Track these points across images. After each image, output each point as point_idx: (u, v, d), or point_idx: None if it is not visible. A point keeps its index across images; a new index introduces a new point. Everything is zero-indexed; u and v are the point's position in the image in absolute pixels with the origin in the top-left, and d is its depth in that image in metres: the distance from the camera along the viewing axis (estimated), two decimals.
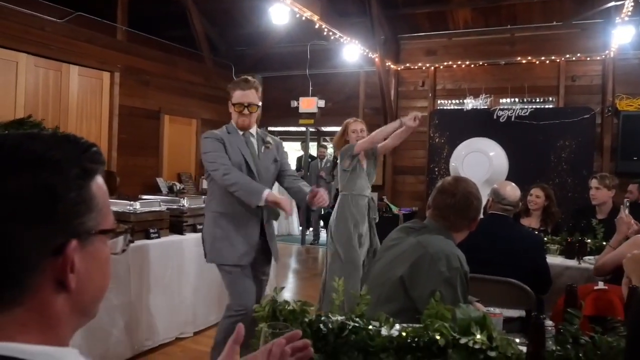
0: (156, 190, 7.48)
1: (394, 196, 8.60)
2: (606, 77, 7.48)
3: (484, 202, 3.36)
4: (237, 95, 3.01)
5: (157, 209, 3.86)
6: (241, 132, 3.05)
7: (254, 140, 3.08)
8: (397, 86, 8.88)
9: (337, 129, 11.76)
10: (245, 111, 3.00)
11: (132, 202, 3.68)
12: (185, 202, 4.21)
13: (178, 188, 7.67)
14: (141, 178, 7.56)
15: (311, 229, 9.58)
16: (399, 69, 8.82)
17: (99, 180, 0.76)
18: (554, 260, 3.78)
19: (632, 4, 5.20)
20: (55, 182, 0.69)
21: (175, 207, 4.14)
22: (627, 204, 3.29)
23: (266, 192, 2.85)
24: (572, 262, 3.80)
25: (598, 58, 7.57)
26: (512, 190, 3.24)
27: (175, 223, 3.99)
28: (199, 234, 4.02)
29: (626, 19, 5.82)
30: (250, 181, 2.89)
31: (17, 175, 0.68)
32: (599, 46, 7.44)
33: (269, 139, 3.17)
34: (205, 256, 3.06)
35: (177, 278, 3.83)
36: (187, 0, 8.36)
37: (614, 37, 6.67)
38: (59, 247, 0.69)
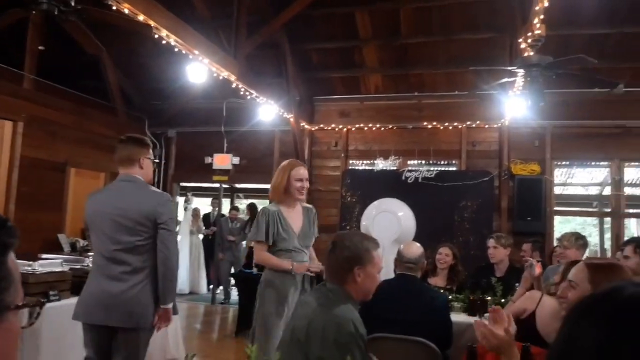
0: (57, 247, 7.05)
1: None
2: (502, 144, 8.13)
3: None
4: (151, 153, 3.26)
5: (59, 269, 3.65)
6: None
7: None
8: (311, 145, 9.11)
9: (251, 185, 11.68)
10: None
11: (30, 262, 3.46)
12: (90, 262, 4.00)
13: (81, 245, 7.28)
14: (41, 234, 7.10)
15: (221, 287, 9.32)
16: (313, 129, 9.08)
17: (12, 254, 0.75)
18: (458, 317, 3.94)
19: (523, 80, 5.76)
20: None
21: (78, 267, 3.93)
22: (532, 264, 3.56)
23: None
24: (475, 319, 3.98)
25: (495, 126, 8.23)
26: (409, 248, 3.40)
27: (78, 284, 3.77)
28: None
29: (517, 92, 6.41)
30: None
31: None
32: (495, 115, 8.09)
33: None
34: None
35: (79, 344, 3.58)
36: (101, 52, 8.23)
37: (507, 108, 7.31)
38: None
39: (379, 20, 7.88)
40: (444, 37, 7.85)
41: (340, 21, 8.04)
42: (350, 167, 8.84)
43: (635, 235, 10.61)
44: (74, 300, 3.72)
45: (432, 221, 7.56)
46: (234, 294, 8.72)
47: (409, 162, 8.48)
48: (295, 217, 3.52)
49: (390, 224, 6.89)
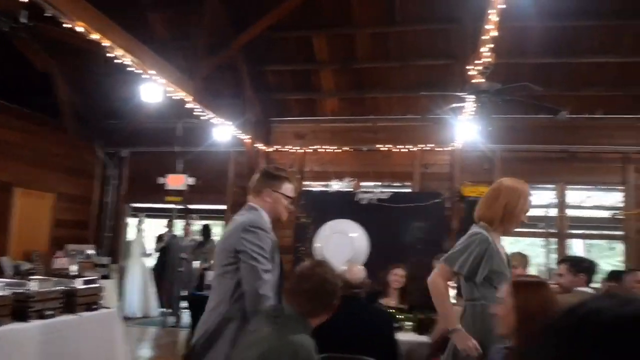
0: None
1: None
2: (453, 166, 8.35)
3: None
4: (291, 189, 2.86)
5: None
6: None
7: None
8: None
9: (206, 207, 11.47)
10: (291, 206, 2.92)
11: None
12: (33, 286, 3.85)
13: (25, 268, 6.99)
14: None
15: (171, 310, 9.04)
16: (269, 150, 9.09)
17: None
18: (408, 336, 4.02)
19: (473, 106, 5.96)
20: None
21: (21, 291, 3.77)
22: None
23: None
24: (424, 338, 4.06)
25: (447, 149, 8.44)
26: (353, 273, 3.47)
27: (20, 309, 3.63)
28: (47, 321, 3.70)
29: (468, 117, 6.62)
30: None
31: None
32: (448, 139, 8.30)
33: None
34: None
35: None
36: (52, 68, 8.04)
37: (459, 132, 7.53)
38: None
39: (335, 44, 8.03)
40: (399, 62, 8.05)
41: (298, 44, 8.14)
42: (305, 189, 8.87)
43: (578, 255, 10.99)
44: (14, 326, 3.59)
45: (386, 242, 7.63)
46: (185, 316, 8.54)
47: (364, 183, 8.58)
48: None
49: (343, 245, 6.95)
